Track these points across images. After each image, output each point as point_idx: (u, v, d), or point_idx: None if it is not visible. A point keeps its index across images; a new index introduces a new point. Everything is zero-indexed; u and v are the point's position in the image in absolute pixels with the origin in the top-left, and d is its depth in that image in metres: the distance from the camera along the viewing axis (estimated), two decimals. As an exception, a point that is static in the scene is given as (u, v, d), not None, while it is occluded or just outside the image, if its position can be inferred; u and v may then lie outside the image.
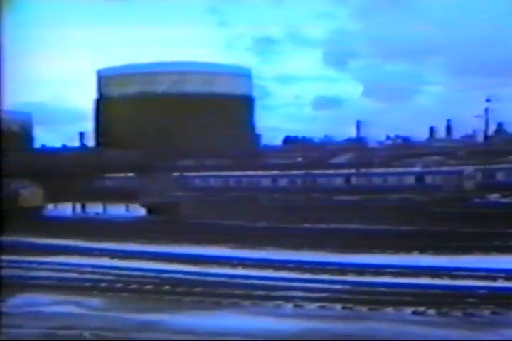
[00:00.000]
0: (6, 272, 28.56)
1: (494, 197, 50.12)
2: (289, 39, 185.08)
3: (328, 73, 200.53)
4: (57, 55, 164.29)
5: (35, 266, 29.69)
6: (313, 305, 20.79)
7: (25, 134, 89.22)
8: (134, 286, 24.65)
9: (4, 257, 31.74)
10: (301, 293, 22.11)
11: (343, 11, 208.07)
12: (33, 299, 23.01)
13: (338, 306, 20.49)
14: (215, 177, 49.62)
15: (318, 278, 24.55)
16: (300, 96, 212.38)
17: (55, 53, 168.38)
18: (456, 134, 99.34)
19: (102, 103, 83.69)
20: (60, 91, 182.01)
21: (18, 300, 22.95)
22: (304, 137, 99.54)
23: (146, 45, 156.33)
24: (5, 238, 39.20)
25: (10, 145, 76.86)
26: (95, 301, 22.58)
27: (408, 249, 31.50)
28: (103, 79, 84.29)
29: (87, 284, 25.28)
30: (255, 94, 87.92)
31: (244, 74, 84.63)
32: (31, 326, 18.83)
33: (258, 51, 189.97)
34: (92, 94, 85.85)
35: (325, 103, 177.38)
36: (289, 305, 20.95)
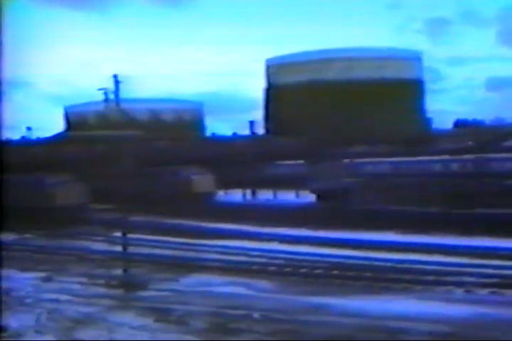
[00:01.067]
0: (179, 253, 29.96)
1: None
2: (461, 19, 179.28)
3: (502, 52, 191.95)
4: (232, 48, 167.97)
5: (206, 248, 30.69)
6: (484, 291, 20.35)
7: (197, 123, 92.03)
8: (302, 270, 25.06)
9: (178, 239, 33.28)
10: (472, 279, 21.66)
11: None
12: (204, 279, 23.90)
13: (510, 292, 19.92)
14: (384, 163, 49.11)
15: (489, 264, 23.98)
16: (472, 78, 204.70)
17: (230, 46, 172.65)
18: None
19: (271, 92, 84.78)
20: (234, 81, 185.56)
21: (191, 280, 23.93)
22: (474, 120, 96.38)
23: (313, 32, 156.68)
24: (179, 221, 41.09)
25: (182, 133, 79.83)
26: (264, 284, 23.11)
27: None
28: (272, 68, 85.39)
29: (256, 267, 25.90)
30: (426, 77, 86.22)
31: (415, 58, 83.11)
32: (202, 304, 19.57)
33: (430, 33, 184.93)
34: (263, 84, 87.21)
35: (498, 84, 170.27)
36: (460, 291, 20.58)
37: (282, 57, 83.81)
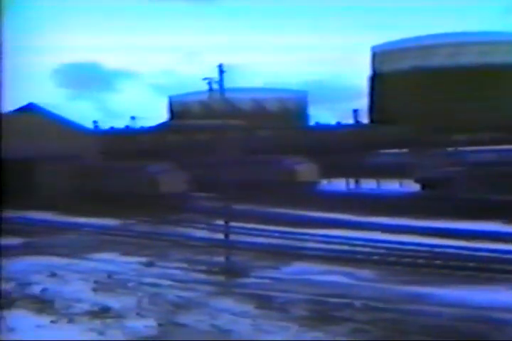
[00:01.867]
0: (281, 242, 30.19)
1: None
2: None
3: None
4: (336, 36, 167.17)
5: (308, 237, 30.77)
6: None
7: (301, 112, 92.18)
8: (405, 260, 24.84)
9: (280, 228, 33.51)
10: None
11: None
12: (305, 268, 24.01)
13: None
14: (489, 151, 47.92)
15: None
16: None
17: (335, 34, 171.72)
18: None
19: (376, 79, 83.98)
20: (338, 70, 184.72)
21: (292, 269, 24.08)
22: None
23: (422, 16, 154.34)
24: (281, 210, 41.34)
25: (286, 123, 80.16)
26: (365, 272, 23.06)
27: None
28: (377, 55, 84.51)
29: (358, 256, 25.85)
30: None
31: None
32: (303, 292, 19.68)
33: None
34: (368, 71, 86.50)
35: None
36: None
37: (388, 44, 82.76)
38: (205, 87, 30.12)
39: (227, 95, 30.02)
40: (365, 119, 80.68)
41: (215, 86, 28.94)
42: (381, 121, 74.44)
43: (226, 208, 27.91)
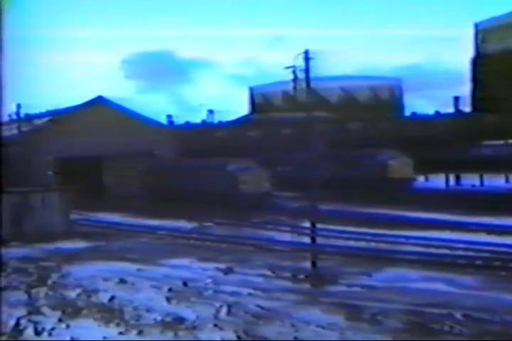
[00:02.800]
0: (373, 245, 29.84)
1: None
2: None
3: None
4: (431, 13, 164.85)
5: (404, 240, 30.36)
6: None
7: (395, 101, 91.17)
8: (512, 264, 24.22)
9: (372, 230, 33.13)
10: None
11: None
12: (400, 274, 23.67)
13: None
14: None
15: None
16: None
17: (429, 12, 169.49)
18: None
19: (480, 61, 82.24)
20: (435, 52, 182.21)
21: (386, 275, 23.74)
22: None
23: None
24: (373, 210, 40.96)
25: (379, 113, 79.38)
26: (467, 279, 22.59)
27: None
28: (481, 33, 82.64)
29: (459, 261, 25.33)
30: None
31: None
32: (398, 301, 19.37)
33: None
34: (470, 53, 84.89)
35: None
36: None
37: (494, 19, 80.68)
38: (289, 76, 29.86)
39: (314, 84, 29.76)
40: (467, 108, 79.20)
41: (301, 75, 28.70)
42: (486, 110, 72.83)
43: (312, 208, 27.71)
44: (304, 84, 29.28)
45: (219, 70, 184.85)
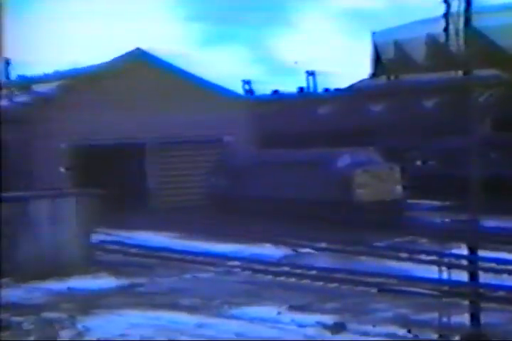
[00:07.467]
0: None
1: None
2: None
3: None
4: None
5: None
6: None
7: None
8: None
9: None
10: None
11: None
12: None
13: None
14: None
15: None
16: None
17: None
18: None
19: None
20: None
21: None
22: None
23: None
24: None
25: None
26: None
27: None
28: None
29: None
30: None
31: None
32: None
33: None
34: None
35: None
36: None
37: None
38: (436, 11, 28.86)
39: (479, 23, 28.71)
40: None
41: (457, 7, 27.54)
42: None
43: (472, 225, 26.61)
44: (461, 23, 28.02)
45: (326, 7, 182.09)
